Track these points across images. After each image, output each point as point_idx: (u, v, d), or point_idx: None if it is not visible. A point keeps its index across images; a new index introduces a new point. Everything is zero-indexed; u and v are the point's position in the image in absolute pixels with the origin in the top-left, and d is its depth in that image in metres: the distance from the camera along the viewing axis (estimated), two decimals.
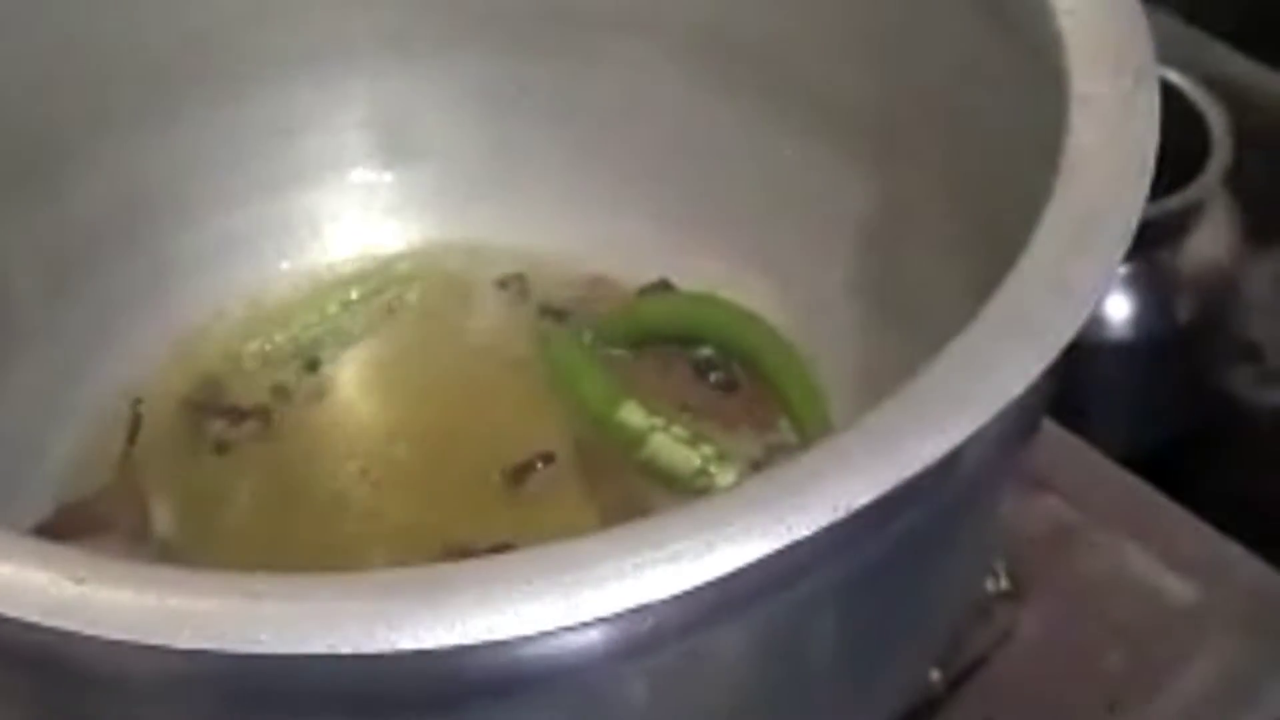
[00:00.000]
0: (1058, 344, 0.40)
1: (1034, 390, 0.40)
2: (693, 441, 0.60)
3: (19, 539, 0.39)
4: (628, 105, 0.64)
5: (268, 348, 0.64)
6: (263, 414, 0.62)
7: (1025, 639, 0.60)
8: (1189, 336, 0.78)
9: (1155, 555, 0.62)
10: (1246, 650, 0.59)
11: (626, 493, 0.59)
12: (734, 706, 0.45)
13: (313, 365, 0.64)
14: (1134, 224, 0.43)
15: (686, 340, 0.63)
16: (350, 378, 0.64)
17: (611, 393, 0.61)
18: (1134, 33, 0.48)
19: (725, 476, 0.59)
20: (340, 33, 0.64)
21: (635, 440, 0.60)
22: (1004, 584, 0.60)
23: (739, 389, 0.62)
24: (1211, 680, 0.58)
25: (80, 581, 0.37)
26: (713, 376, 0.63)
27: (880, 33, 0.57)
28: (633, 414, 0.60)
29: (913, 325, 0.59)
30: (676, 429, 0.60)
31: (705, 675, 0.43)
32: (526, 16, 0.64)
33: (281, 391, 0.63)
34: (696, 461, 0.59)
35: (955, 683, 0.58)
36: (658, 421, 0.60)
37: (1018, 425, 0.44)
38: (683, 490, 0.59)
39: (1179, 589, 0.61)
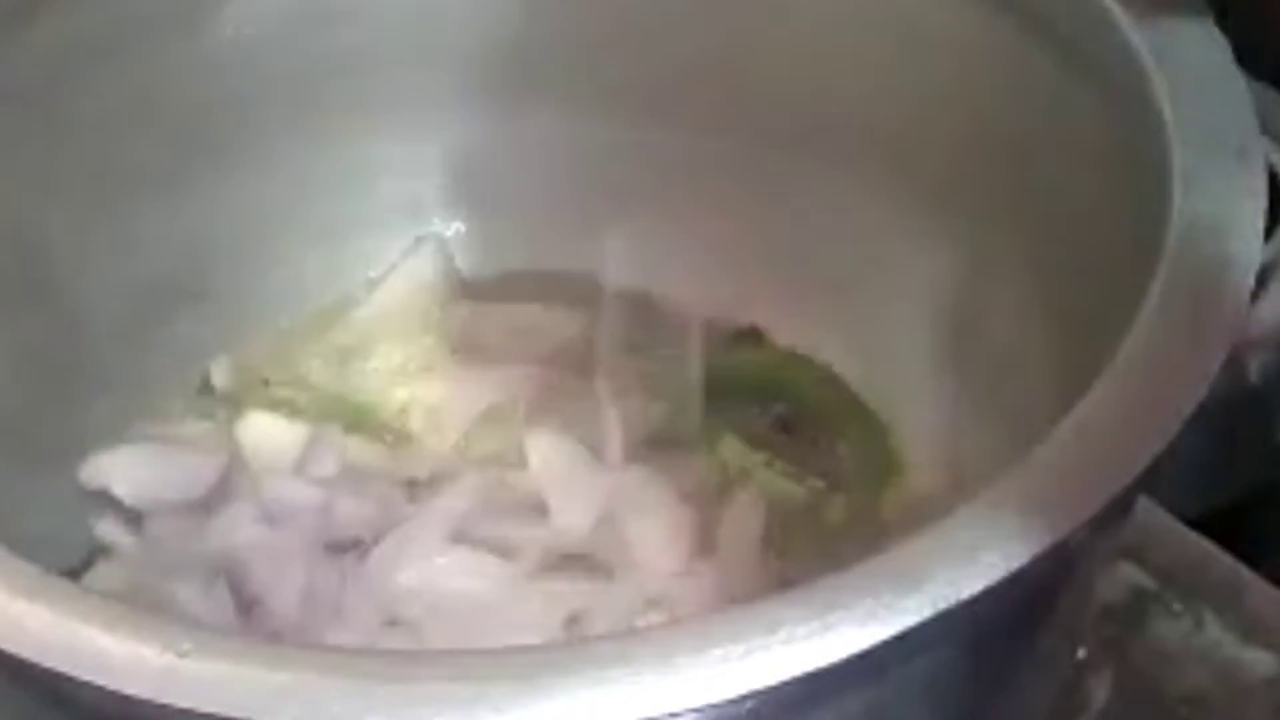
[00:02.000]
0: (1168, 433, 0.40)
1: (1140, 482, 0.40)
2: (798, 476, 0.60)
3: (122, 608, 0.38)
4: (713, 163, 0.64)
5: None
6: None
7: (1102, 709, 0.59)
8: (1260, 396, 0.77)
9: (1232, 624, 0.61)
10: None
11: None
12: None
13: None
14: (1245, 307, 0.42)
15: (766, 395, 0.63)
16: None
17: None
18: (1237, 107, 0.48)
19: (835, 508, 0.60)
20: (423, 83, 0.64)
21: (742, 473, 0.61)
22: (1081, 653, 0.60)
23: (818, 447, 0.62)
24: None
25: (184, 655, 0.37)
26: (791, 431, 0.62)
27: (973, 98, 0.57)
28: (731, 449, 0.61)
29: (991, 396, 0.59)
30: (780, 464, 0.61)
31: None
32: (610, 75, 0.64)
33: None
34: (803, 493, 0.60)
35: None
36: (759, 457, 0.61)
37: (1120, 510, 0.44)
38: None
39: (1257, 659, 0.60)
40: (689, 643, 0.37)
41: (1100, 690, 0.60)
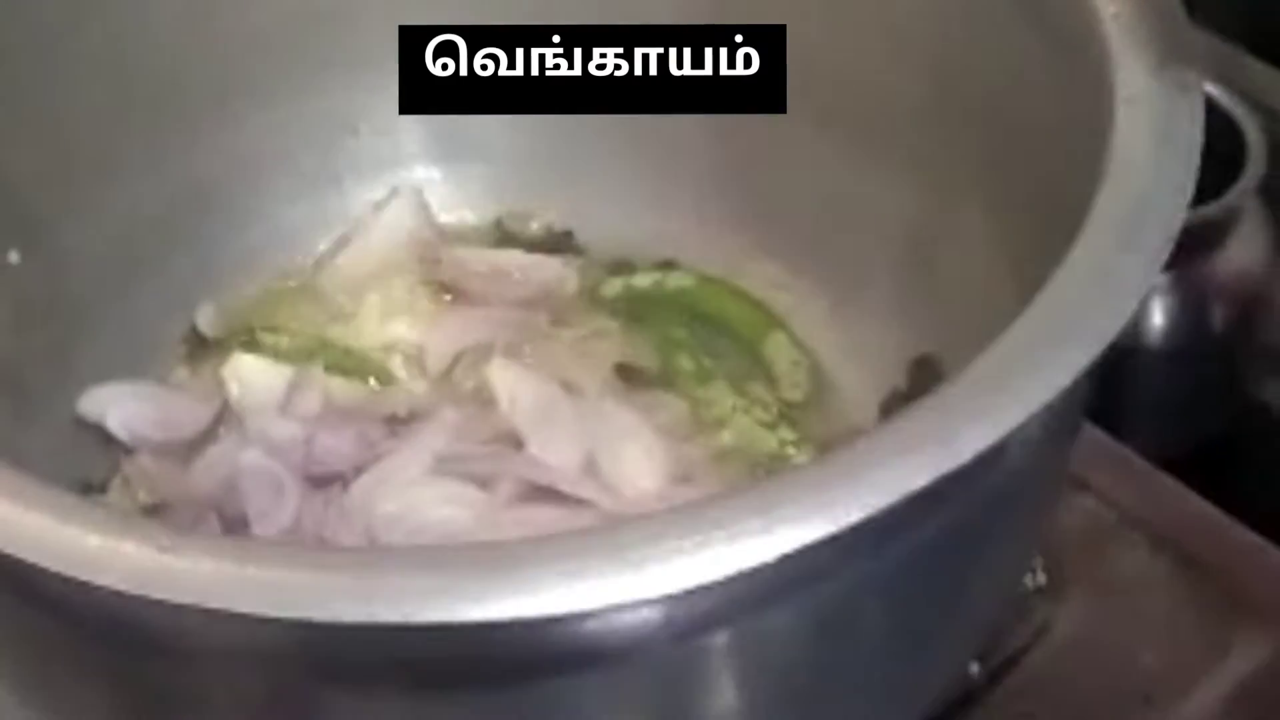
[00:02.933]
0: (1104, 340, 0.42)
1: (1080, 384, 0.42)
2: (773, 425, 0.62)
3: (107, 512, 0.40)
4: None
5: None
6: None
7: (1062, 634, 0.61)
8: (1222, 344, 0.79)
9: (1188, 553, 0.63)
10: None
11: None
12: (780, 688, 0.46)
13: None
14: (1179, 223, 0.44)
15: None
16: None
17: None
18: (1178, 38, 0.49)
19: (801, 459, 0.62)
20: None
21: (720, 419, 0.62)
22: (1041, 580, 0.62)
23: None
24: (1247, 673, 0.59)
25: (164, 550, 0.39)
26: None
27: (929, 42, 0.59)
28: (722, 394, 0.63)
29: (955, 322, 0.61)
30: (759, 412, 0.62)
31: (752, 657, 0.45)
32: (588, 20, 0.65)
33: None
34: (774, 444, 0.62)
35: (994, 676, 0.60)
36: (741, 403, 0.63)
37: (1062, 419, 0.46)
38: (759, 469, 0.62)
39: (1211, 586, 0.62)
40: (646, 536, 0.39)
41: (1060, 618, 0.62)
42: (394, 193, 0.69)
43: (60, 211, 0.62)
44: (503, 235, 0.69)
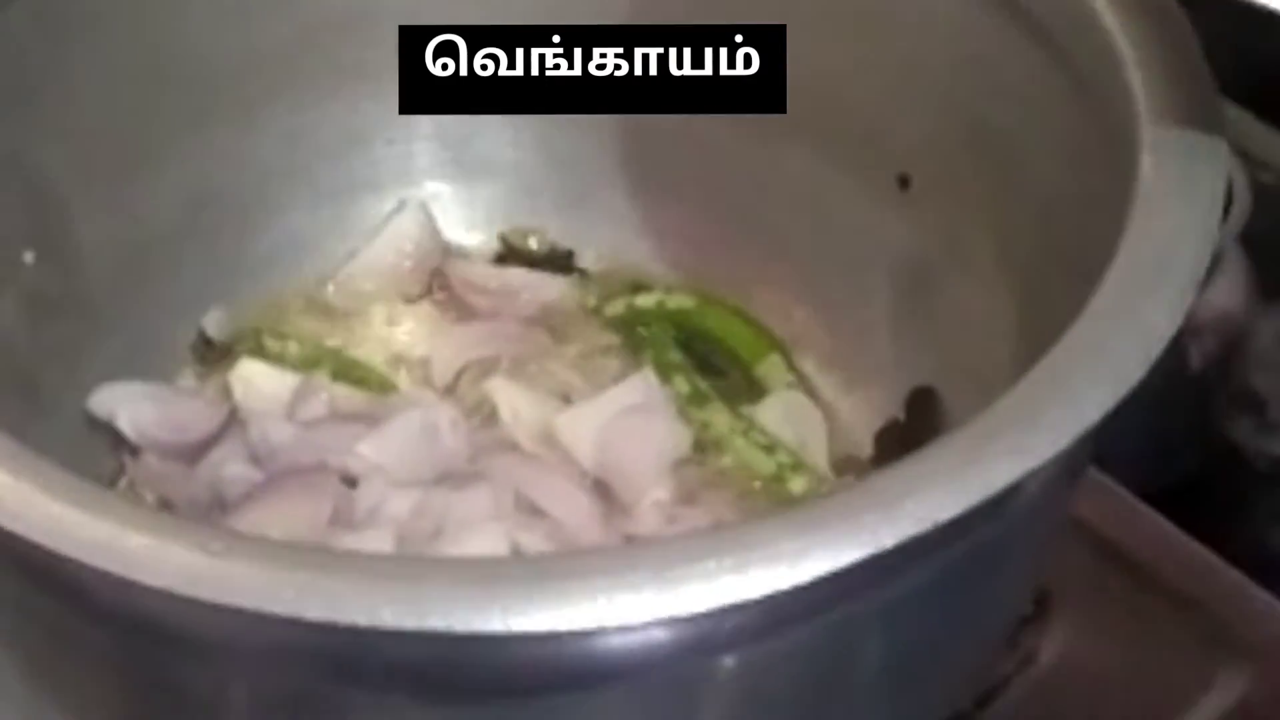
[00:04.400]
0: (1130, 381, 0.43)
1: (1104, 422, 0.43)
2: (770, 448, 0.63)
3: (153, 512, 0.41)
4: (687, 140, 0.67)
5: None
6: None
7: (1047, 664, 0.62)
8: (1200, 383, 0.80)
9: (1172, 588, 0.64)
10: (1262, 675, 0.61)
11: None
12: (786, 709, 0.47)
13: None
14: (1204, 269, 0.45)
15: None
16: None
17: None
18: (1200, 84, 0.51)
19: (797, 483, 0.62)
20: None
21: (717, 441, 0.63)
22: (1027, 610, 0.63)
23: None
24: (1229, 706, 0.60)
25: (215, 555, 0.39)
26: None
27: (941, 74, 0.60)
28: (719, 416, 0.64)
29: (954, 356, 0.62)
30: (756, 434, 0.63)
31: (768, 676, 0.46)
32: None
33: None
34: (772, 467, 0.63)
35: (980, 703, 0.61)
36: (738, 425, 0.63)
37: (1078, 456, 0.47)
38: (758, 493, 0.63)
39: (1196, 620, 0.63)
40: (683, 557, 0.40)
41: (1046, 647, 0.63)
42: (402, 205, 0.69)
43: (77, 211, 0.62)
44: (507, 251, 0.70)
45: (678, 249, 0.69)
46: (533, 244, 0.70)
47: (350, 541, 0.56)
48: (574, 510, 0.59)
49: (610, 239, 0.69)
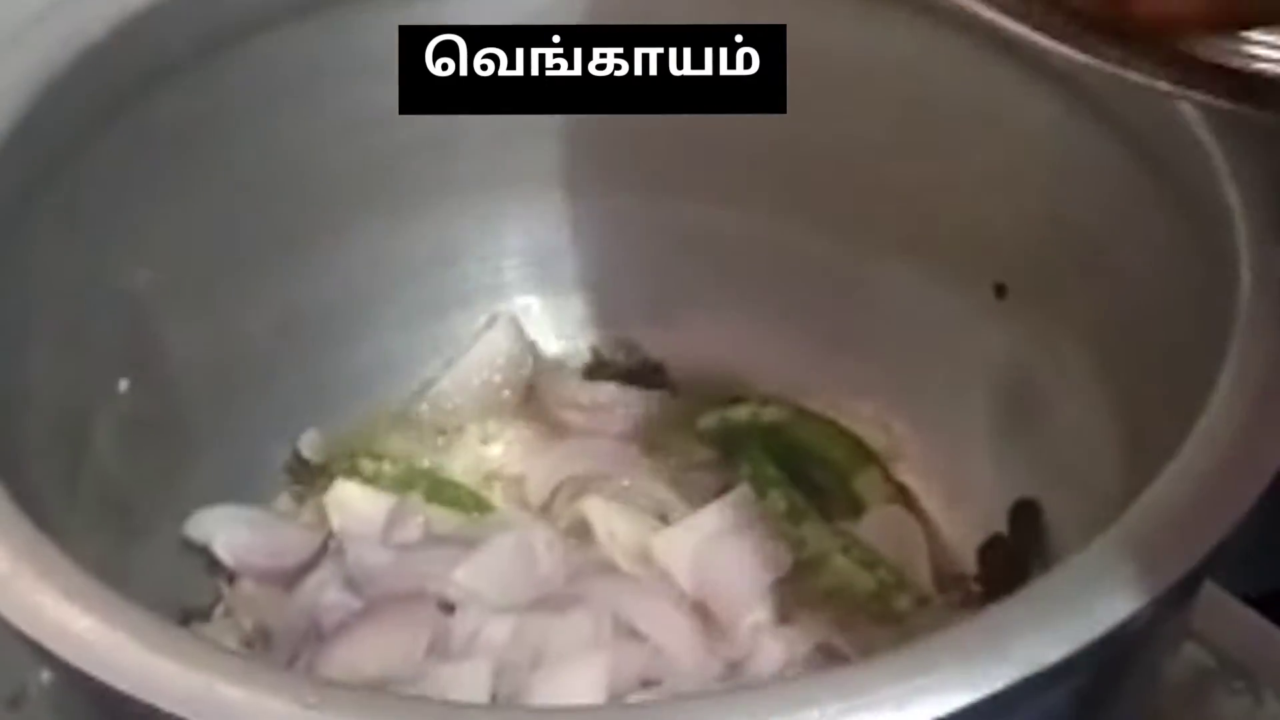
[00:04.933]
0: (1243, 509, 0.42)
1: (1219, 550, 0.42)
2: (871, 565, 0.62)
3: (248, 663, 0.40)
4: (778, 249, 0.67)
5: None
6: None
7: None
8: None
9: None
10: None
11: None
12: None
13: None
14: None
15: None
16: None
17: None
18: None
19: (901, 601, 0.61)
20: (508, 163, 0.67)
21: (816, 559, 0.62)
22: None
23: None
24: None
25: (310, 707, 0.39)
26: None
27: (1033, 178, 0.59)
28: (818, 532, 0.63)
29: (1057, 468, 0.61)
30: (856, 550, 0.62)
31: None
32: (680, 162, 0.66)
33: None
34: (874, 584, 0.62)
35: None
36: (838, 542, 0.63)
37: (1190, 587, 0.46)
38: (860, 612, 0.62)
39: None
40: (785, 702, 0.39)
41: None
42: (493, 320, 0.69)
43: (170, 335, 0.62)
44: (597, 363, 0.70)
45: (770, 361, 0.68)
46: (622, 357, 0.69)
47: (448, 673, 0.55)
48: (673, 633, 0.59)
49: (701, 351, 0.69)
